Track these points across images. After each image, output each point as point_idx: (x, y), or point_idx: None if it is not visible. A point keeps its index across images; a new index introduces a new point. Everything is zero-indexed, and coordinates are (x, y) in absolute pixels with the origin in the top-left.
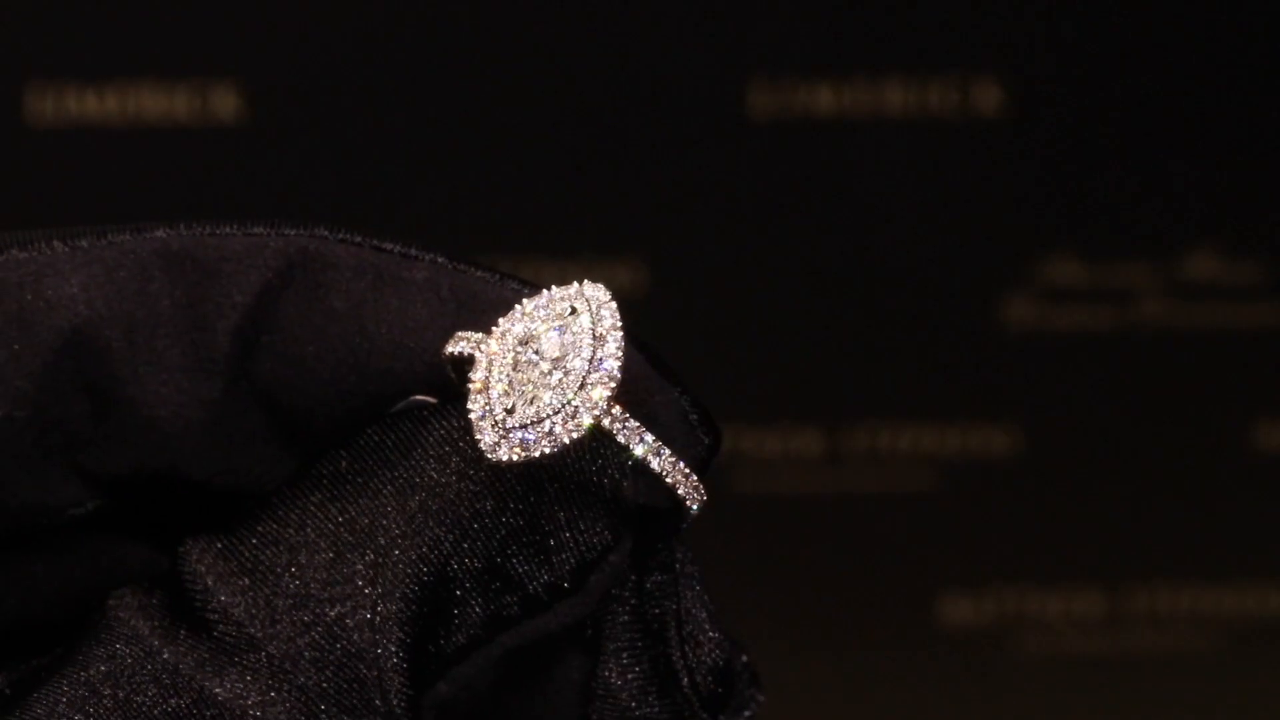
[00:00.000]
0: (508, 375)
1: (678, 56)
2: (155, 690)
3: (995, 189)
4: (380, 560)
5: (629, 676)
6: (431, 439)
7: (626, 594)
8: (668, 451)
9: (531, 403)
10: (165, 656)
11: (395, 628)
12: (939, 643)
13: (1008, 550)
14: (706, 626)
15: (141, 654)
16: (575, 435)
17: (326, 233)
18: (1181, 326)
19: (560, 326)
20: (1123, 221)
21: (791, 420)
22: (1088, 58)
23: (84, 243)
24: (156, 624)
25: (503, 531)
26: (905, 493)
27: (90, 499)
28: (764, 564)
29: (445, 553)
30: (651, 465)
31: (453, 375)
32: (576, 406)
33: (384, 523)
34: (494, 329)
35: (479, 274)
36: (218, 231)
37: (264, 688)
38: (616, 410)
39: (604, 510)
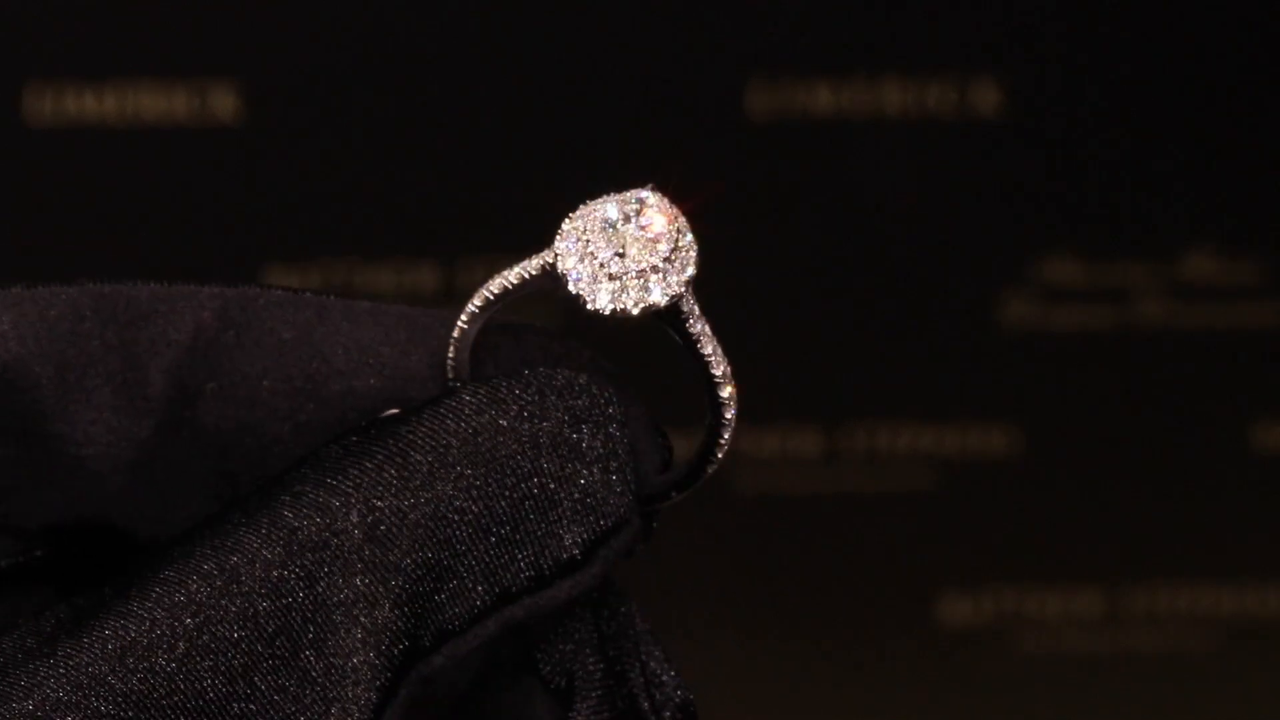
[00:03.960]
0: (600, 233)
1: (678, 56)
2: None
3: (994, 189)
4: (379, 538)
5: None
6: (427, 425)
7: (594, 639)
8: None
9: (624, 257)
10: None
11: (387, 603)
12: (938, 642)
13: (1007, 550)
14: (665, 666)
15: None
16: (665, 297)
17: (259, 290)
18: (1180, 326)
19: (638, 215)
20: (1121, 221)
21: (790, 420)
22: (1087, 58)
23: (15, 289)
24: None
25: (507, 509)
26: (904, 492)
27: (16, 553)
28: (763, 564)
29: (449, 530)
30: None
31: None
32: (667, 270)
33: (378, 504)
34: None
35: (417, 309)
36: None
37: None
38: (692, 299)
39: (617, 487)
